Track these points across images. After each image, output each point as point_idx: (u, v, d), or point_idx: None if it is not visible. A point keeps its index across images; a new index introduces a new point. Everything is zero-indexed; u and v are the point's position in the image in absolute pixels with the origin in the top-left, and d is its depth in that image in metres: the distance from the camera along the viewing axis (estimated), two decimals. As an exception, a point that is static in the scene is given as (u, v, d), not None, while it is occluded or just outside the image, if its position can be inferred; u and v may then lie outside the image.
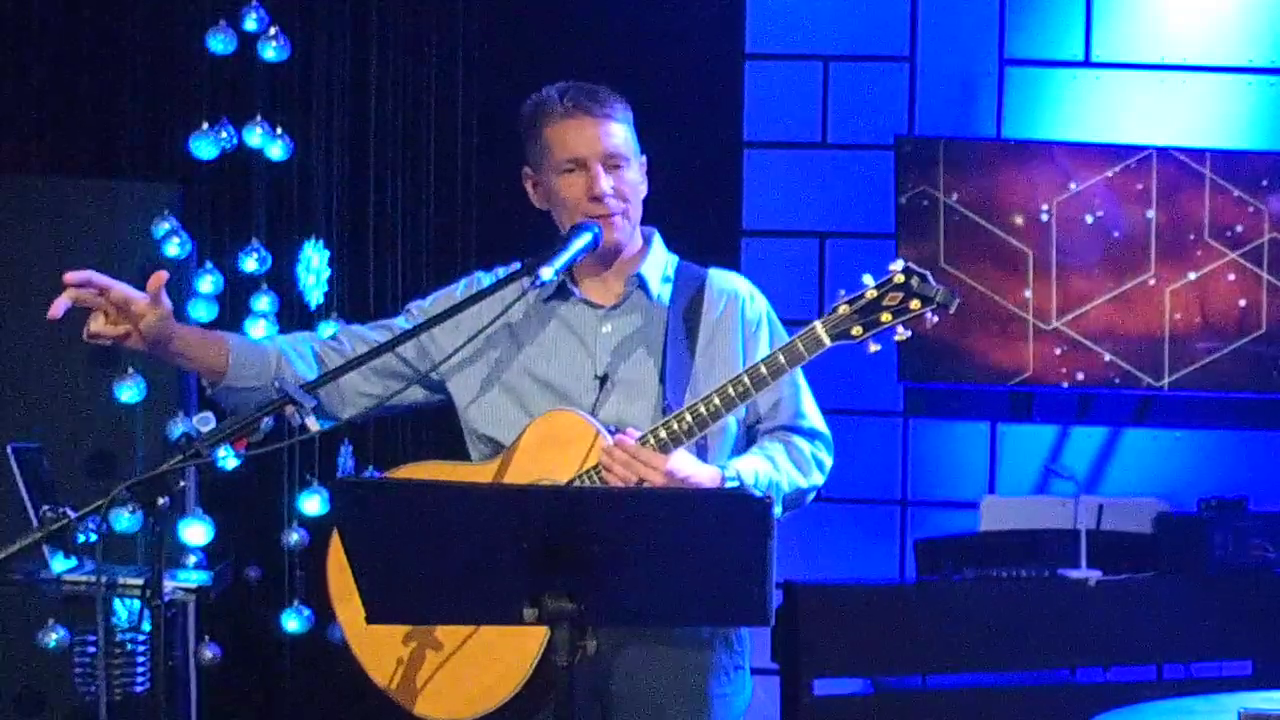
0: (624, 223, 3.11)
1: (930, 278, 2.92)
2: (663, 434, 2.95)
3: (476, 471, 3.07)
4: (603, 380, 3.09)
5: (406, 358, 3.16)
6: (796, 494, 3.13)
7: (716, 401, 2.94)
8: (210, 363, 3.06)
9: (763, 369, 2.95)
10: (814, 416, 3.21)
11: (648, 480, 2.90)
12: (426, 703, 3.00)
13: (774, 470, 3.08)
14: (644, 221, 3.21)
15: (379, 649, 3.02)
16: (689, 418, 2.95)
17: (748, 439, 3.19)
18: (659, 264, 3.20)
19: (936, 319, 2.93)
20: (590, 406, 3.07)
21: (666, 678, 3.05)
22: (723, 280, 3.22)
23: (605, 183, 3.07)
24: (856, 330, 2.92)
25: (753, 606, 2.54)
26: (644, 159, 3.17)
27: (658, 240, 3.23)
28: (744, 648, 3.15)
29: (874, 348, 2.93)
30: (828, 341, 2.94)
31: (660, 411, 3.04)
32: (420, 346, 3.15)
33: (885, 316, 2.91)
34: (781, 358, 2.95)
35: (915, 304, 2.90)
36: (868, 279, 2.94)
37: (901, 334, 2.93)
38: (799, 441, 3.17)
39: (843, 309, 2.93)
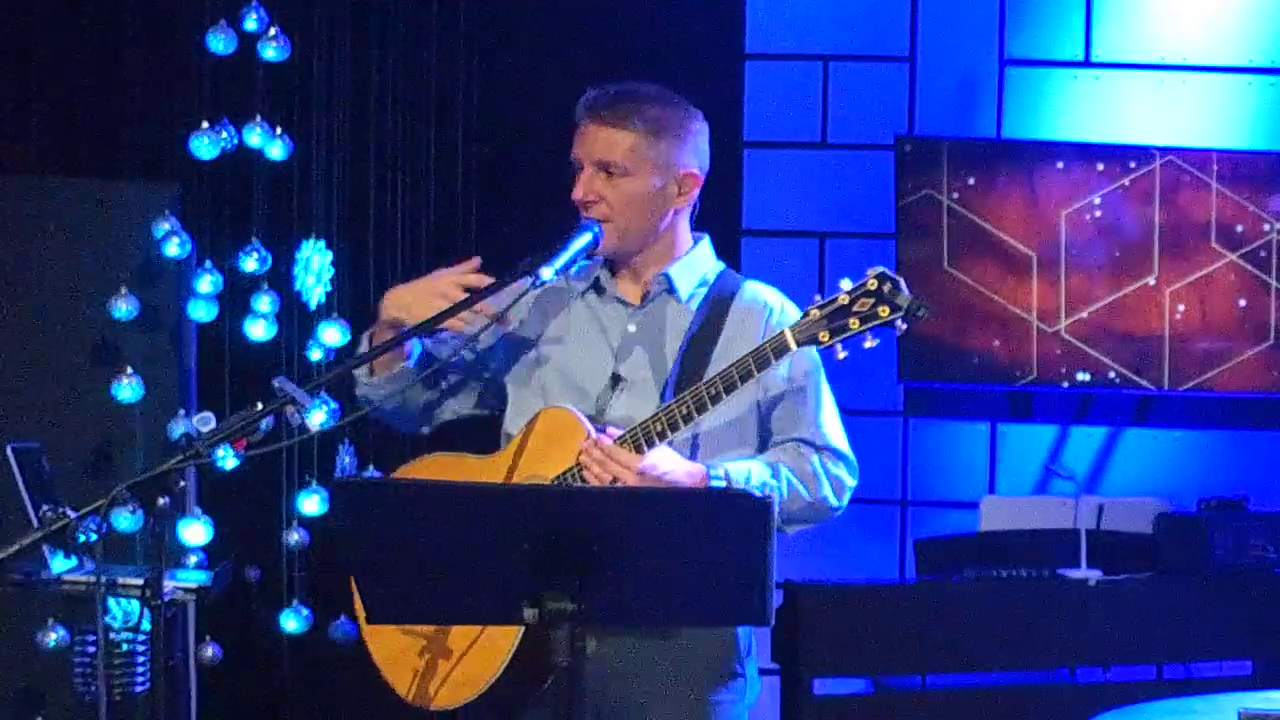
0: (609, 229, 3.09)
1: (904, 285, 2.89)
2: (640, 435, 2.95)
3: (476, 467, 3.08)
4: (615, 379, 3.09)
5: (482, 375, 3.21)
6: (803, 507, 3.08)
7: (690, 403, 2.94)
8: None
9: (733, 372, 2.94)
10: (834, 435, 3.16)
11: (620, 479, 2.90)
12: (443, 695, 3.00)
13: (771, 476, 3.05)
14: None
15: (386, 641, 3.03)
16: (664, 419, 2.95)
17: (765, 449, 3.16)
18: (697, 268, 3.18)
19: (906, 326, 2.90)
20: (603, 404, 3.07)
21: (662, 683, 3.03)
22: (755, 291, 3.20)
23: (584, 187, 3.07)
24: (824, 335, 2.91)
25: (753, 606, 2.54)
26: (683, 173, 3.11)
27: (704, 245, 3.22)
28: (748, 653, 3.13)
29: (842, 354, 2.91)
30: (793, 346, 2.92)
31: (668, 414, 3.05)
32: (477, 355, 3.17)
33: (854, 323, 2.89)
34: (750, 361, 2.94)
35: (884, 311, 2.88)
36: (844, 283, 2.92)
37: (871, 341, 2.91)
38: (810, 454, 3.12)
39: (814, 313, 2.93)
